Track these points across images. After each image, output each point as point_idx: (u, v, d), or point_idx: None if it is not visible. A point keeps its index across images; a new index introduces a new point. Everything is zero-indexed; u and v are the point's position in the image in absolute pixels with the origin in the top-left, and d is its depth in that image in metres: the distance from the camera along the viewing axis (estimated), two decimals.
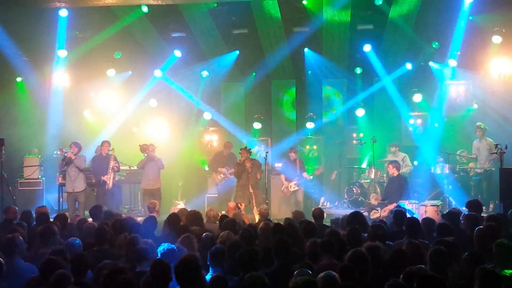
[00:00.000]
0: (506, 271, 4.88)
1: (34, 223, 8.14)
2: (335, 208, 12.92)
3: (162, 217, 8.95)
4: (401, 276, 4.79)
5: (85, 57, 14.08)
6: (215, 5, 12.86)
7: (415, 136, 14.40)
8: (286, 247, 5.71)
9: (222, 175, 13.38)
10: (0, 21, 12.55)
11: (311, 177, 13.13)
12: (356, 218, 7.35)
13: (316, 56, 14.50)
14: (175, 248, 5.73)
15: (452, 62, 13.47)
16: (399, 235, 6.93)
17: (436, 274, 4.52)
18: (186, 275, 4.71)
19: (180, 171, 14.58)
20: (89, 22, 13.58)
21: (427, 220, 7.49)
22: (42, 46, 13.62)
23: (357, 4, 12.72)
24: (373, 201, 12.33)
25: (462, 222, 7.58)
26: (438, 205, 10.92)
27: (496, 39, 12.81)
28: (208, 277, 5.28)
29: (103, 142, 12.42)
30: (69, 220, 8.48)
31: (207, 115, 15.12)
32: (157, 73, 14.56)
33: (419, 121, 14.65)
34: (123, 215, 9.21)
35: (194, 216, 7.94)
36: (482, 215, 8.26)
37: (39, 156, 13.65)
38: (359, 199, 12.82)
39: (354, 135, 15.08)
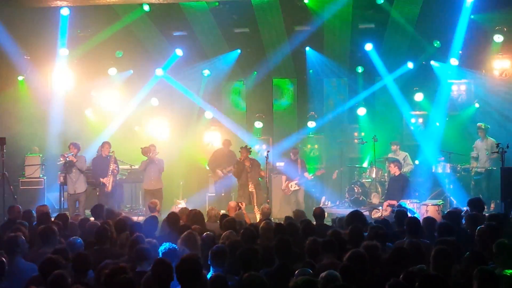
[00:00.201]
0: (506, 271, 4.87)
1: (35, 222, 8.14)
2: (336, 208, 12.94)
3: (163, 217, 8.94)
4: (401, 276, 4.78)
5: (86, 56, 14.10)
6: (217, 4, 12.90)
7: (416, 135, 14.36)
8: (287, 247, 5.71)
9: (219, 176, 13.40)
10: (2, 20, 12.58)
11: (312, 177, 13.13)
12: (355, 218, 7.34)
13: (318, 55, 14.47)
14: (176, 247, 5.73)
15: (454, 61, 13.46)
16: (401, 235, 6.91)
17: (439, 274, 4.51)
18: (187, 275, 4.70)
19: (181, 170, 14.56)
20: (91, 21, 13.62)
21: (428, 220, 7.46)
22: (44, 45, 13.62)
23: (359, 3, 12.74)
24: (374, 200, 12.33)
25: (463, 220, 7.58)
26: (439, 205, 10.89)
27: (498, 38, 12.83)
28: (209, 276, 5.28)
29: (104, 143, 12.31)
30: (70, 220, 8.47)
31: (209, 114, 15.12)
32: (159, 72, 14.56)
33: (420, 120, 14.60)
34: (123, 214, 9.19)
35: (195, 216, 7.94)
36: (483, 214, 8.26)
37: (41, 155, 13.64)
38: (360, 198, 12.81)
39: (356, 134, 15.05)
